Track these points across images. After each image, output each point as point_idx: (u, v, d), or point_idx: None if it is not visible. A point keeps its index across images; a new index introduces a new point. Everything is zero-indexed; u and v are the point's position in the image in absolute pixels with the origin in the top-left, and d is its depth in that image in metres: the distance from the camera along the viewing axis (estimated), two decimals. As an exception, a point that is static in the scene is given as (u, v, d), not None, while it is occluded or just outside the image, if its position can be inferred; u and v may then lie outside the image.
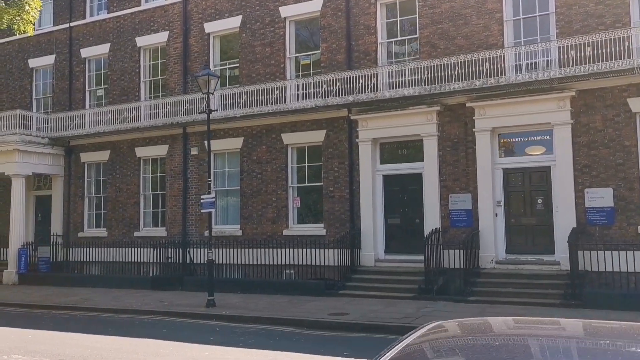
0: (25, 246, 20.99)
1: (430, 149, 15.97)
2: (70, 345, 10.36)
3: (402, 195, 16.72)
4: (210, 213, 14.83)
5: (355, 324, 11.84)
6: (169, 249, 19.25)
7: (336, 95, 17.00)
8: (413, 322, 10.65)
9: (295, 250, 17.40)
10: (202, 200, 14.61)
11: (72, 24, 22.98)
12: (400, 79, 16.52)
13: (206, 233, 18.93)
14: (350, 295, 15.06)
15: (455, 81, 15.26)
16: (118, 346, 10.21)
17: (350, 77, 16.89)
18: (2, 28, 15.91)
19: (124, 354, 9.54)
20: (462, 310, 12.39)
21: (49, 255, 20.96)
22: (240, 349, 9.87)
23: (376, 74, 16.68)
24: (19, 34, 16.51)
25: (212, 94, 15.15)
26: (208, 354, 9.54)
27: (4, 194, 24.01)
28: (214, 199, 14.41)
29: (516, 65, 15.08)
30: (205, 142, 19.23)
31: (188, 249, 19.36)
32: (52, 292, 17.97)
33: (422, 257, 14.71)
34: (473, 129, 15.44)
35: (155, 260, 19.62)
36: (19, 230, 21.01)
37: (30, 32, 15.39)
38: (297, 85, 18.08)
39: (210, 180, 15.19)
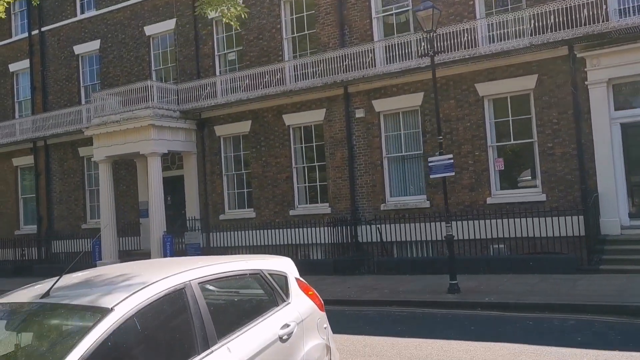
0: (169, 232, 18.72)
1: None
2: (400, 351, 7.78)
3: (648, 147, 13.65)
4: (444, 179, 12.02)
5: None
6: (338, 227, 16.65)
7: (552, 31, 13.95)
8: None
9: (504, 220, 14.60)
10: (431, 164, 11.82)
11: (194, -18, 20.36)
12: (638, 3, 13.37)
13: (382, 207, 16.41)
14: (614, 270, 12.15)
15: None
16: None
17: (570, 7, 13.79)
18: None
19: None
20: None
21: (199, 241, 18.61)
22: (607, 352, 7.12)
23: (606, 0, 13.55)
24: None
25: (435, 31, 12.27)
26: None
27: (127, 176, 21.89)
28: (451, 161, 11.60)
29: None
30: (373, 101, 16.67)
31: (362, 226, 16.72)
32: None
33: None
34: None
35: (319, 241, 17.11)
36: (160, 215, 18.74)
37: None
38: (489, 25, 15.09)
39: (442, 138, 12.37)
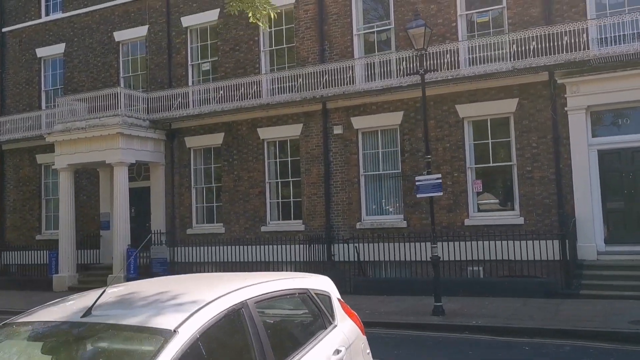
0: (133, 246, 17.93)
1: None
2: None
3: (625, 174, 13.89)
4: (431, 199, 11.82)
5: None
6: (314, 245, 16.29)
7: (533, 56, 14.14)
8: None
9: (482, 242, 14.55)
10: (418, 183, 11.65)
11: (169, -11, 19.87)
12: (617, 34, 13.69)
13: (358, 225, 16.19)
14: (595, 296, 12.20)
15: None
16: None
17: (551, 34, 14.02)
18: None
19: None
20: None
21: (166, 255, 17.86)
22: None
23: (586, 28, 13.82)
24: None
25: (426, 50, 12.19)
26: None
27: (88, 186, 20.97)
28: (439, 180, 11.45)
29: None
30: (352, 118, 16.51)
31: (335, 244, 16.41)
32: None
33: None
34: None
35: (292, 259, 16.69)
36: (125, 227, 17.94)
37: None
38: (470, 47, 15.20)
39: (430, 158, 12.21)
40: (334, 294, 4.36)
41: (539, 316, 10.75)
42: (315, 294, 4.01)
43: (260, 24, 7.27)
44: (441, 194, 12.11)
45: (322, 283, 4.34)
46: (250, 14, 7.04)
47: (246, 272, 4.89)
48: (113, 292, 3.43)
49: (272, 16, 7.06)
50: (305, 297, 3.93)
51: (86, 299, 3.36)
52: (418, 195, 12.27)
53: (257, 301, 3.36)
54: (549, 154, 14.36)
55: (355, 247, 15.54)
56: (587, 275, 13.10)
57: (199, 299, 3.10)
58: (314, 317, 3.94)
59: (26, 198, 22.37)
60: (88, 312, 3.04)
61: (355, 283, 14.94)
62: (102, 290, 3.28)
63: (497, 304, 12.11)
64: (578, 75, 13.91)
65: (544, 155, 14.43)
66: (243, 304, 3.23)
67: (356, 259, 15.60)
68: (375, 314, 11.91)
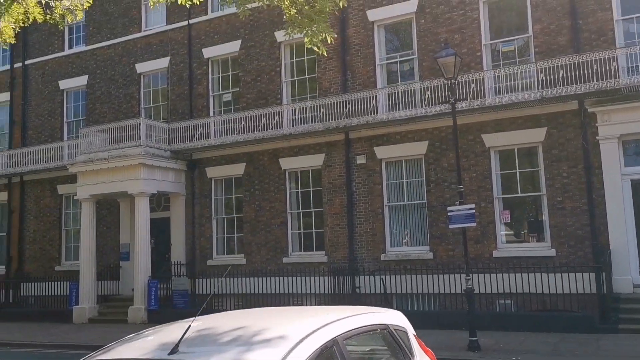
0: (153, 278, 17.70)
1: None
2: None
3: (659, 204, 13.52)
4: (463, 230, 11.52)
5: None
6: (339, 277, 15.97)
7: (562, 85, 13.92)
8: None
9: (511, 275, 14.15)
10: (451, 214, 11.36)
11: (191, 22, 20.03)
12: (647, 62, 13.47)
13: (383, 257, 15.87)
14: (634, 330, 11.73)
15: None
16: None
17: (580, 63, 13.82)
18: None
19: None
20: None
21: (187, 287, 17.60)
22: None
23: (615, 56, 13.62)
24: None
25: (456, 79, 12.05)
26: None
27: (108, 216, 20.86)
28: (472, 211, 11.16)
29: None
30: (375, 148, 16.33)
31: (364, 276, 16.06)
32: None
33: None
34: None
35: (314, 291, 16.37)
36: (146, 258, 17.75)
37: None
38: (496, 76, 15.03)
39: (462, 188, 11.96)
40: (410, 329, 4.14)
41: (580, 352, 10.32)
42: (394, 329, 3.80)
43: (315, 48, 7.09)
44: (475, 224, 11.83)
45: (398, 318, 4.12)
46: (307, 39, 6.86)
47: (313, 306, 4.69)
48: (190, 325, 3.21)
49: (330, 41, 6.87)
50: (385, 333, 3.73)
51: (165, 333, 3.19)
52: (451, 226, 11.97)
53: (345, 338, 3.20)
54: (580, 184, 14.03)
55: (382, 279, 15.18)
56: (624, 309, 12.64)
57: (286, 334, 2.92)
58: (394, 354, 3.72)
59: (46, 229, 22.32)
60: (175, 348, 2.84)
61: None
62: (187, 325, 3.06)
63: (533, 339, 11.67)
64: (609, 103, 13.66)
65: (575, 185, 14.10)
66: (334, 341, 3.07)
67: (382, 291, 15.21)
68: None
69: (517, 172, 14.98)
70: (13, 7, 8.77)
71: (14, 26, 9.82)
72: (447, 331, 12.75)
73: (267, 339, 2.88)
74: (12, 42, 10.33)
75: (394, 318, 4.04)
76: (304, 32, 6.74)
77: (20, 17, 9.59)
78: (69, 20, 10.01)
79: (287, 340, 2.85)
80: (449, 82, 11.88)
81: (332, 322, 3.25)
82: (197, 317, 3.30)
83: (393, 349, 3.72)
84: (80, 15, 10.16)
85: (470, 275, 11.59)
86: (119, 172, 18.07)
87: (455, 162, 12.26)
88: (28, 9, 9.24)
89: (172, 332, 3.08)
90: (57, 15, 9.59)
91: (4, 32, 10.03)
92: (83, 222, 18.97)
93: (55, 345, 14.89)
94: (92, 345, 14.28)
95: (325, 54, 7.14)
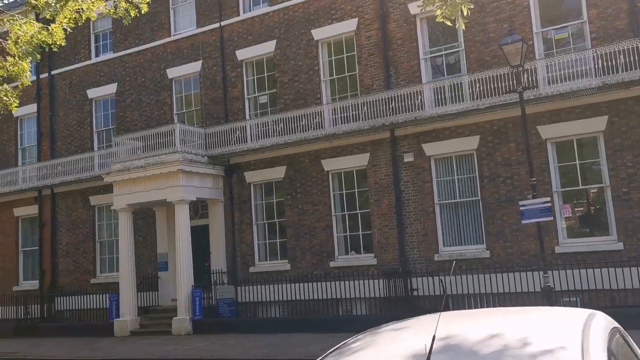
0: (198, 287, 17.20)
1: None
2: None
3: None
4: (538, 225, 10.96)
5: None
6: (393, 279, 15.41)
7: (621, 71, 13.32)
8: None
9: (575, 271, 13.54)
10: (523, 208, 10.80)
11: (222, 23, 19.60)
12: None
13: (436, 257, 15.30)
14: None
15: None
16: None
17: (642, 46, 13.23)
18: None
19: None
20: None
21: (232, 295, 17.09)
22: None
23: (679, 38, 13.02)
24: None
25: (523, 68, 11.51)
26: None
27: (144, 226, 20.41)
28: (548, 204, 10.59)
29: None
30: (423, 145, 15.78)
31: (411, 278, 15.51)
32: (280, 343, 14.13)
33: None
34: None
35: (364, 295, 15.84)
36: (188, 267, 17.26)
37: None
38: (550, 65, 14.46)
39: (534, 180, 11.41)
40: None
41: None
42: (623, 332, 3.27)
43: (449, 22, 6.55)
44: (551, 218, 11.27)
45: (612, 320, 3.58)
46: (438, 12, 6.32)
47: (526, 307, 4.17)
48: (427, 331, 2.67)
49: (466, 12, 6.35)
50: (620, 335, 3.21)
51: (400, 337, 2.64)
52: (524, 222, 11.42)
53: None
54: (646, 173, 13.44)
55: (441, 280, 14.60)
56: None
57: (564, 345, 2.37)
58: (634, 355, 3.20)
59: (79, 241, 21.90)
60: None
61: (444, 319, 13.96)
62: (429, 330, 2.51)
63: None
64: (675, 87, 13.06)
65: (640, 175, 13.50)
66: (617, 329, 2.69)
67: (442, 293, 14.63)
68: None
69: (576, 164, 14.38)
70: (69, 4, 8.31)
71: (65, 26, 9.39)
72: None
73: (546, 349, 2.33)
74: (63, 44, 9.89)
75: (612, 320, 3.50)
76: (437, 4, 6.14)
77: (73, 16, 9.16)
78: (132, 14, 9.54)
79: (572, 337, 2.33)
80: (516, 70, 11.31)
81: (591, 316, 2.79)
82: (407, 324, 2.79)
83: (628, 355, 3.19)
84: (145, 9, 9.69)
85: (548, 272, 11.03)
86: (156, 180, 17.62)
87: (527, 153, 11.65)
88: (87, 5, 8.77)
89: (408, 338, 2.55)
90: (122, 9, 9.12)
91: (54, 34, 9.59)
92: (121, 232, 18.52)
93: (102, 360, 14.42)
94: (142, 359, 13.81)
95: (463, 27, 6.54)
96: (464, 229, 15.60)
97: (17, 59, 9.98)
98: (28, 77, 12.06)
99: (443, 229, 15.79)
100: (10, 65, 10.05)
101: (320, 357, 2.76)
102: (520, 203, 11.36)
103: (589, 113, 14.09)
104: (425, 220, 15.84)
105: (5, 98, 10.42)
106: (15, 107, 11.66)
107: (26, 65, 10.63)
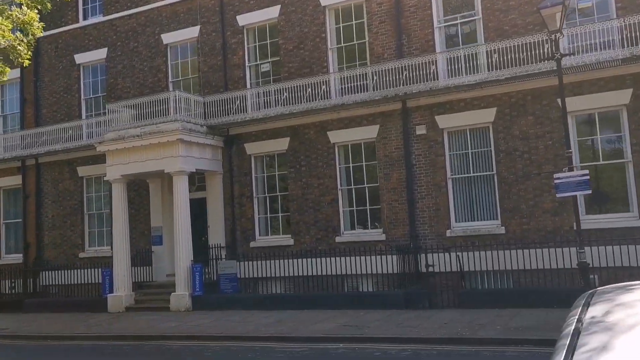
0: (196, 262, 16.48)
1: None
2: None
3: None
4: (574, 198, 10.51)
5: None
6: (401, 255, 14.91)
7: (648, 43, 12.88)
8: None
9: (593, 248, 13.18)
10: (558, 181, 10.32)
11: (222, -13, 18.62)
12: None
13: (448, 233, 14.84)
14: None
15: None
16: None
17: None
18: None
19: None
20: None
21: (235, 271, 16.40)
22: None
23: None
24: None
25: (562, 33, 10.94)
26: None
27: (136, 198, 19.52)
28: (587, 177, 10.12)
29: None
30: (436, 117, 15.24)
31: (422, 254, 15.04)
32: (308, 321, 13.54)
33: None
34: None
35: (371, 271, 15.32)
36: (187, 242, 16.52)
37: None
38: (572, 35, 13.96)
39: (571, 152, 10.92)
40: None
41: None
42: None
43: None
44: (590, 191, 10.79)
45: None
46: None
47: None
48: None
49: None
50: None
51: None
52: (558, 195, 10.95)
53: None
54: (671, 149, 13.09)
55: (458, 256, 14.12)
56: None
57: None
58: None
59: (67, 214, 20.92)
60: None
61: (463, 295, 13.55)
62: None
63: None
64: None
65: (665, 150, 13.15)
66: None
67: (459, 269, 14.16)
68: (509, 330, 10.52)
69: (597, 138, 13.99)
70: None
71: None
72: (535, 309, 11.80)
73: None
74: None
75: None
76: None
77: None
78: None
79: None
80: (554, 36, 10.75)
81: None
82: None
83: None
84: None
85: (584, 248, 10.63)
86: (153, 149, 16.75)
87: (564, 125, 11.12)
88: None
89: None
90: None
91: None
92: (114, 204, 17.65)
93: (101, 337, 13.66)
94: (144, 336, 13.13)
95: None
96: (477, 204, 15.14)
97: (26, 8, 9.09)
98: (40, 28, 11.15)
99: (455, 204, 15.31)
100: (18, 14, 9.14)
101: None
102: (555, 176, 10.88)
103: (612, 85, 13.65)
104: (437, 195, 15.33)
105: (19, 48, 9.56)
106: (28, 59, 10.78)
107: (34, 15, 9.72)
